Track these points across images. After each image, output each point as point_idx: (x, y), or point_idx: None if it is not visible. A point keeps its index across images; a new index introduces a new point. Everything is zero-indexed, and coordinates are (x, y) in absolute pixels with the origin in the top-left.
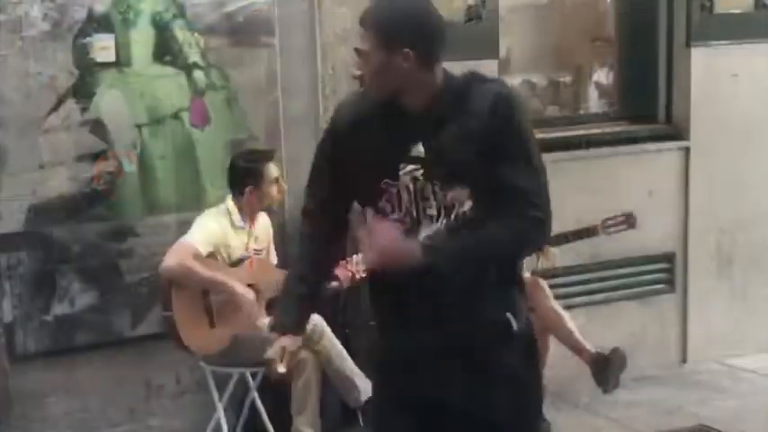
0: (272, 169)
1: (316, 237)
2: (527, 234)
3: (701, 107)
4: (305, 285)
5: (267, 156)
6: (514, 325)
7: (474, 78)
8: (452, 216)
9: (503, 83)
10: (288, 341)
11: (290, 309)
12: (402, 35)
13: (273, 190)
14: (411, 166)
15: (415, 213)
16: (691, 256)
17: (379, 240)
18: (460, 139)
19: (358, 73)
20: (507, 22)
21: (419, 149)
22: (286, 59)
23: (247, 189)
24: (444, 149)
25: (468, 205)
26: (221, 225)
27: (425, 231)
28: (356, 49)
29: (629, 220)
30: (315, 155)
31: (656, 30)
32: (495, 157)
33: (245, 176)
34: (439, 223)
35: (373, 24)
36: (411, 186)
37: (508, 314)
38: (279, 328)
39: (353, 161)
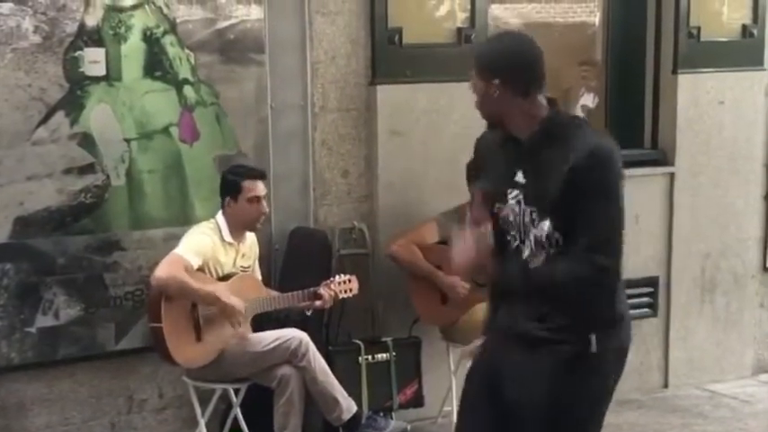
0: (252, 187)
1: None
2: (590, 280)
3: (686, 133)
4: None
5: (252, 173)
6: (593, 347)
7: (583, 123)
8: (547, 244)
9: (607, 136)
10: None
11: None
12: (491, 67)
13: (251, 209)
14: (515, 191)
15: (521, 235)
16: (674, 281)
17: (467, 245)
18: (552, 173)
19: (475, 101)
20: None
21: (521, 176)
22: (276, 77)
23: (226, 200)
24: (536, 180)
25: (557, 234)
26: (211, 240)
27: (525, 251)
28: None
29: None
30: None
31: (643, 56)
32: (579, 198)
33: (226, 188)
34: (536, 249)
35: (474, 59)
36: (516, 209)
37: (592, 336)
38: None
39: (483, 185)
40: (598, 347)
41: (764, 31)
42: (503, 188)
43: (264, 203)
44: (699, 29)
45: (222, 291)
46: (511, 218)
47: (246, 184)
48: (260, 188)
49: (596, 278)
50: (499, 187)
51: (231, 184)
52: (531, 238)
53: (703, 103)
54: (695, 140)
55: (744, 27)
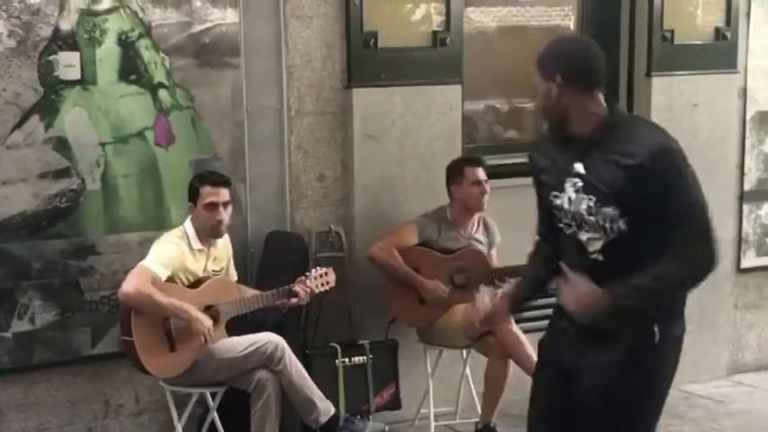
0: (209, 192)
1: (537, 259)
2: (696, 274)
3: None
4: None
5: (214, 179)
6: (657, 337)
7: (641, 120)
8: (608, 229)
9: (666, 133)
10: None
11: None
12: (553, 65)
13: (208, 215)
14: (574, 179)
15: (576, 221)
16: None
17: (574, 290)
18: (614, 166)
19: (536, 104)
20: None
21: (580, 167)
22: (252, 81)
23: (189, 206)
24: (597, 170)
25: (622, 222)
26: (180, 248)
27: (583, 236)
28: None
29: None
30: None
31: (617, 59)
32: (664, 199)
33: (189, 193)
34: (595, 233)
35: (537, 60)
36: (573, 196)
37: (655, 327)
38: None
39: (541, 182)
40: (660, 338)
41: (737, 33)
42: (561, 178)
43: (223, 210)
44: (672, 32)
45: (188, 305)
46: (566, 206)
47: (205, 189)
48: (220, 194)
49: (706, 270)
50: (558, 178)
51: (192, 189)
52: (589, 223)
53: (677, 105)
54: None
55: (717, 30)
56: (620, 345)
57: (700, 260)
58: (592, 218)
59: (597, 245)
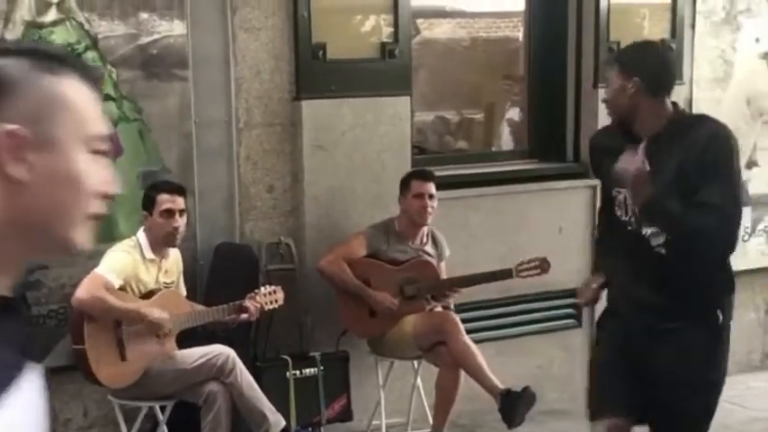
0: (165, 200)
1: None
2: (714, 233)
3: None
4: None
5: (169, 187)
6: (721, 319)
7: (703, 118)
8: None
9: (721, 125)
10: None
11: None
12: (633, 66)
13: (164, 222)
14: None
15: (637, 216)
16: None
17: (634, 167)
18: (671, 162)
19: (605, 97)
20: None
21: (645, 165)
22: (200, 92)
23: (144, 215)
24: (661, 168)
25: None
26: (132, 258)
27: (646, 231)
28: (605, 77)
29: (542, 266)
30: None
31: (564, 70)
32: (705, 182)
33: (144, 202)
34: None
35: (617, 57)
36: None
37: (718, 311)
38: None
39: (601, 172)
40: (722, 322)
41: (683, 44)
42: None
43: (179, 218)
44: (618, 43)
45: (145, 306)
46: (629, 201)
47: (161, 197)
48: (176, 202)
49: (716, 234)
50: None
51: (147, 198)
52: None
53: None
54: None
55: (663, 41)
56: (686, 332)
57: (716, 225)
58: None
59: (660, 238)
